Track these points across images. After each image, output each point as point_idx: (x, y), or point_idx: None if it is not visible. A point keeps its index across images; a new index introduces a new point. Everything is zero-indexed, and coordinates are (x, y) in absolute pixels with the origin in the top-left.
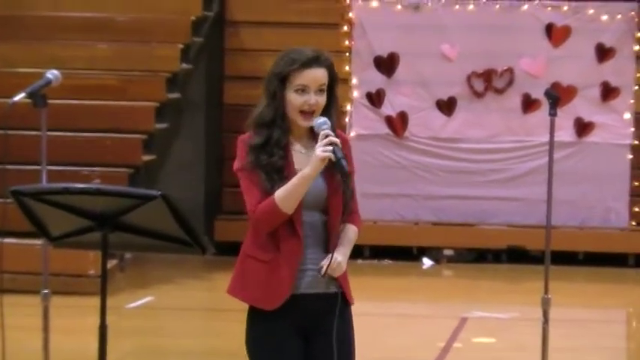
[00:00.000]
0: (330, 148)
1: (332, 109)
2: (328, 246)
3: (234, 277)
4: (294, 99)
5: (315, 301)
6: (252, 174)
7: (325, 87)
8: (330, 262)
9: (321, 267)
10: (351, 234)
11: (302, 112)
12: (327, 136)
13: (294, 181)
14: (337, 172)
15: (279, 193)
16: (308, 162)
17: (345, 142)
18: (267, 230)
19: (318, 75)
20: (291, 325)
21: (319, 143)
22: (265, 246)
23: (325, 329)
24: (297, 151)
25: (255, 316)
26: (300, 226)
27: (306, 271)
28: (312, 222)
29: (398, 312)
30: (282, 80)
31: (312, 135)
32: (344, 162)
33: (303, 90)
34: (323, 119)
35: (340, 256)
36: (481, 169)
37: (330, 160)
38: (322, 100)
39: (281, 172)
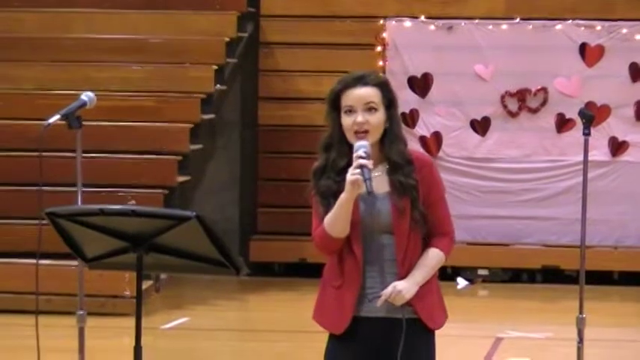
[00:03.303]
0: (358, 171)
1: (391, 130)
2: (398, 268)
3: (316, 303)
4: (344, 121)
5: (380, 326)
6: (315, 199)
7: (376, 105)
8: (389, 290)
9: (382, 295)
10: (431, 258)
11: (356, 133)
12: (358, 158)
13: (336, 205)
14: (405, 194)
15: (327, 219)
16: (377, 185)
17: (425, 164)
18: (327, 254)
19: (361, 94)
20: (356, 349)
21: (352, 167)
22: (335, 271)
23: (393, 356)
24: None
25: (330, 340)
26: (359, 249)
27: (372, 295)
28: (379, 245)
29: None
30: (332, 104)
31: (382, 158)
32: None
33: (350, 110)
34: (361, 143)
35: (404, 284)
36: (515, 188)
37: (394, 184)
38: (373, 118)
39: (337, 195)
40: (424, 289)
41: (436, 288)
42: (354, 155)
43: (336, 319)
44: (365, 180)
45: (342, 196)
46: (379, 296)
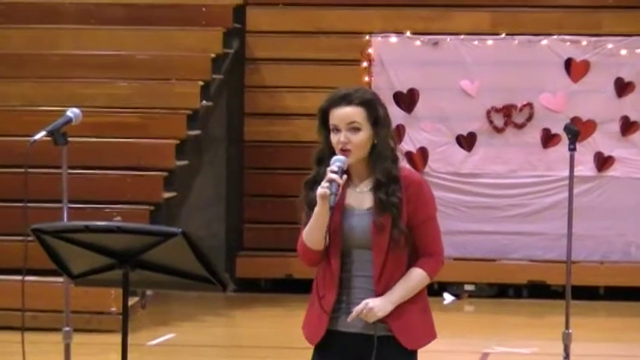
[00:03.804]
0: (327, 185)
1: (377, 147)
2: (374, 285)
3: (305, 312)
4: (332, 138)
5: (354, 341)
6: (303, 210)
7: (359, 125)
8: (361, 307)
9: (354, 311)
10: (411, 279)
11: (342, 151)
12: (330, 172)
13: (312, 217)
14: (386, 211)
15: (304, 231)
16: (361, 201)
17: (412, 183)
18: (309, 265)
19: (345, 113)
20: None
21: (324, 180)
22: (320, 283)
23: None
24: (353, 188)
25: (313, 351)
26: (336, 262)
27: (347, 309)
28: (360, 260)
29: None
30: (321, 121)
31: (369, 174)
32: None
33: (336, 129)
34: (338, 157)
35: (377, 302)
36: (501, 204)
37: (376, 201)
38: (356, 138)
39: None
40: (403, 308)
41: (420, 308)
42: (328, 169)
43: (314, 331)
44: (330, 194)
45: (316, 209)
46: (351, 312)
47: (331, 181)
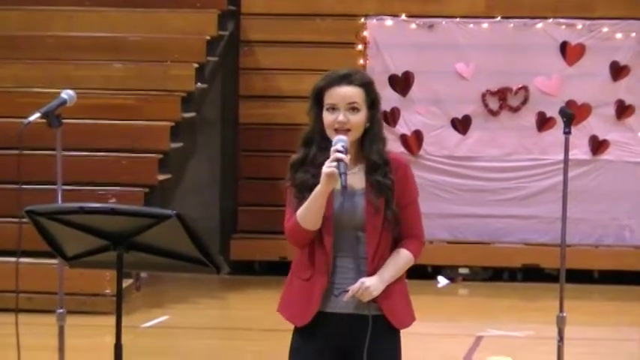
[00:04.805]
0: (335, 164)
1: (371, 129)
2: (367, 266)
3: (282, 295)
4: (326, 118)
5: (346, 321)
6: (289, 191)
7: (358, 105)
8: (357, 286)
9: (350, 290)
10: (399, 259)
11: (336, 131)
12: (336, 152)
13: (310, 198)
14: (381, 193)
15: (299, 211)
16: (353, 182)
17: (400, 165)
18: (298, 247)
19: (346, 93)
20: (321, 343)
21: (328, 160)
22: (305, 264)
23: (359, 353)
24: None
25: (294, 332)
26: (329, 243)
27: (339, 290)
28: (351, 241)
29: (413, 331)
30: (316, 99)
31: (360, 156)
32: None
33: (333, 108)
34: (340, 137)
35: (372, 281)
36: (496, 187)
37: (372, 183)
38: (355, 118)
39: (313, 190)
40: (390, 288)
41: (403, 289)
42: (332, 149)
43: (302, 312)
44: (340, 174)
45: (317, 188)
46: (346, 291)
47: (339, 160)
